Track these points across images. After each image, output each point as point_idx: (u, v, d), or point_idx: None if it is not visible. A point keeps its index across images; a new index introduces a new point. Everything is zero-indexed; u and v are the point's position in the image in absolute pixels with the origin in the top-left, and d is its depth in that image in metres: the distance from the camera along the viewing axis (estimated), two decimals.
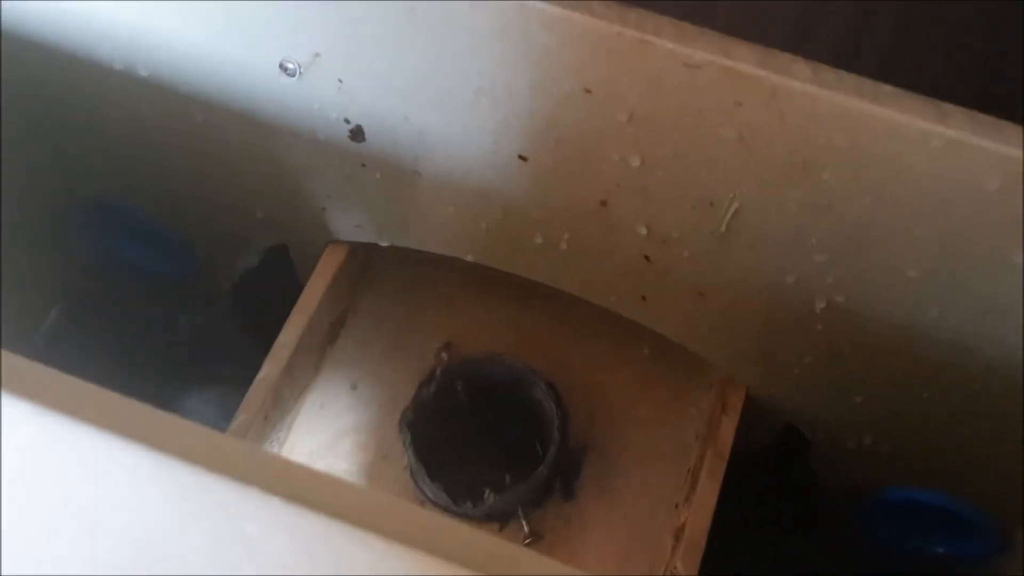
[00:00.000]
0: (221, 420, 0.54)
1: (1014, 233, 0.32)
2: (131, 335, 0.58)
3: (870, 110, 0.30)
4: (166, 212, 0.53)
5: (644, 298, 0.44)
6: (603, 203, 0.39)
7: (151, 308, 0.58)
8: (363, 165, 0.42)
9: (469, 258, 0.46)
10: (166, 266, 0.56)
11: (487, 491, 0.46)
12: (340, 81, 0.38)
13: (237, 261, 0.53)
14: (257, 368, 0.46)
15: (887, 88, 0.30)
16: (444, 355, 0.50)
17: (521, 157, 0.38)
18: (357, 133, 0.40)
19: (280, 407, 0.47)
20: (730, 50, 0.30)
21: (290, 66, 0.38)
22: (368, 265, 0.51)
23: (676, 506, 0.47)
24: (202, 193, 0.49)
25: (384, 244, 0.47)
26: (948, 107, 0.30)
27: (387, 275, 0.52)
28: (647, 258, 0.41)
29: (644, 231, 0.39)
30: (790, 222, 0.35)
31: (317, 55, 0.37)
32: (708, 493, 0.45)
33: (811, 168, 0.32)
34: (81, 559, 0.23)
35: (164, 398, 0.57)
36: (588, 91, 0.34)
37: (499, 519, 0.47)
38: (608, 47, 0.31)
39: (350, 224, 0.47)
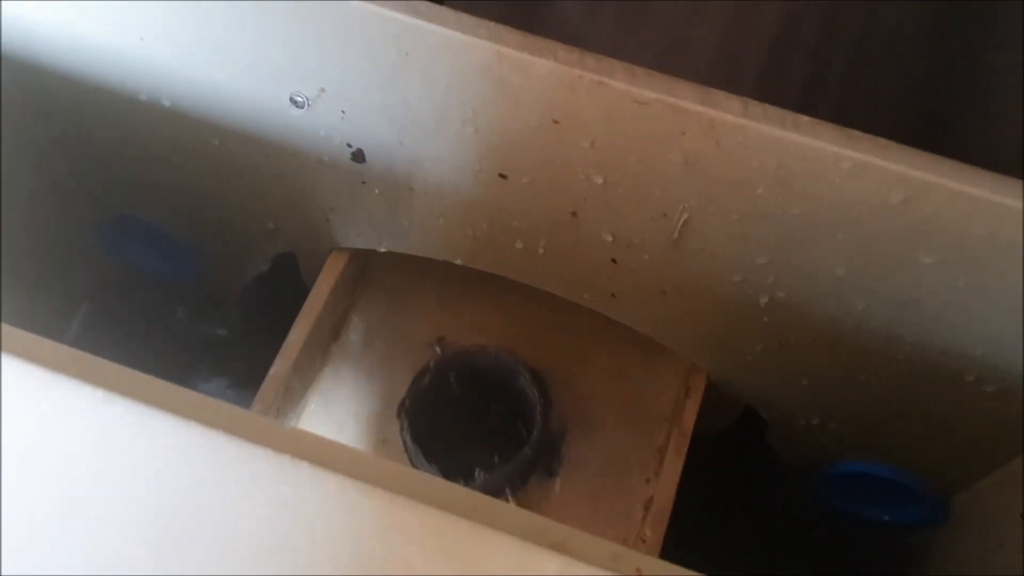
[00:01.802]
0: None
1: (920, 238, 0.38)
2: (151, 335, 0.63)
3: (791, 137, 0.36)
4: (184, 224, 0.59)
5: (613, 295, 0.50)
6: (574, 214, 0.45)
7: (169, 311, 0.63)
8: (363, 182, 0.48)
9: (458, 262, 0.52)
10: (183, 273, 0.61)
11: (477, 470, 0.52)
12: (343, 112, 0.43)
13: (249, 267, 0.59)
14: (268, 364, 0.52)
15: (805, 119, 0.36)
16: (437, 349, 0.56)
17: (502, 175, 0.44)
18: (358, 155, 0.46)
19: (290, 399, 0.53)
20: (673, 89, 0.36)
21: (299, 99, 0.43)
22: (368, 269, 0.57)
23: (647, 481, 0.53)
24: (217, 207, 0.55)
25: (382, 250, 0.53)
26: (856, 133, 0.35)
27: (385, 277, 0.57)
28: (614, 261, 0.47)
29: (610, 238, 0.45)
30: (733, 230, 0.41)
31: (323, 90, 0.42)
32: (673, 468, 0.51)
33: (746, 185, 0.38)
34: (135, 520, 0.29)
35: None
36: (556, 122, 0.39)
37: (488, 496, 0.53)
38: (571, 87, 0.37)
39: (351, 233, 0.52)
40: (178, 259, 0.61)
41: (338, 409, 0.54)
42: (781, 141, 0.36)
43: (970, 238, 0.37)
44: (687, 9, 0.54)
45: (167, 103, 0.47)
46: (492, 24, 0.37)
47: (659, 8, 0.55)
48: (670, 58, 0.54)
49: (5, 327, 0.31)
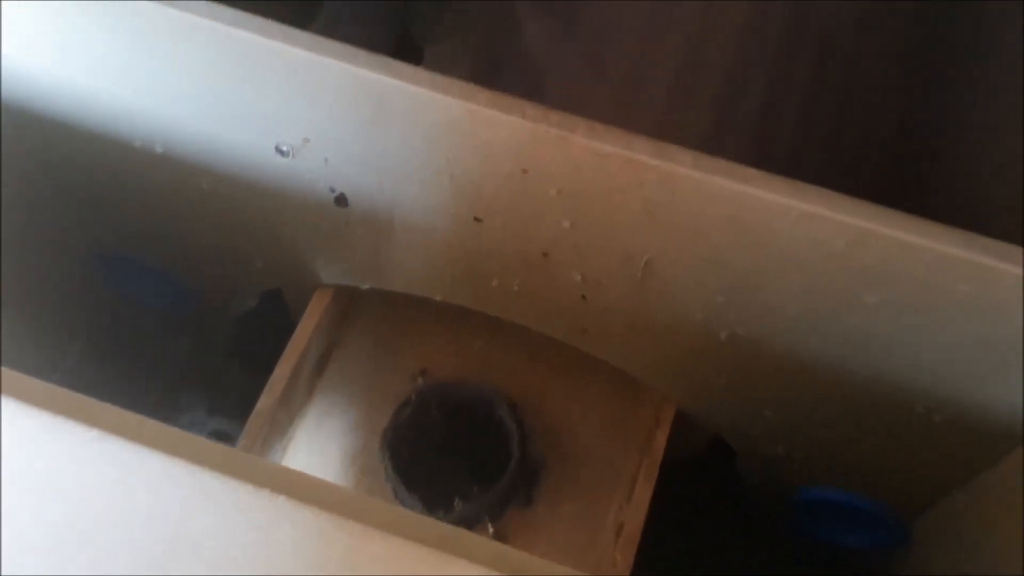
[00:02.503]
0: (225, 440, 0.62)
1: (863, 280, 0.40)
2: (144, 367, 0.65)
3: (741, 189, 0.38)
4: (175, 261, 0.61)
5: (585, 330, 0.52)
6: (545, 255, 0.47)
7: (162, 344, 0.66)
8: (346, 224, 0.50)
9: (438, 297, 0.54)
10: (174, 307, 0.64)
11: (456, 499, 0.54)
12: (326, 160, 0.46)
13: (238, 302, 0.61)
14: (256, 397, 0.54)
15: (753, 171, 0.38)
16: (420, 381, 0.58)
17: (476, 219, 0.46)
18: (341, 200, 0.48)
19: (277, 431, 0.55)
20: (631, 143, 0.39)
21: (284, 148, 0.46)
22: (351, 305, 0.59)
23: (619, 507, 0.55)
24: (207, 246, 0.57)
25: (365, 287, 0.55)
26: (802, 185, 0.38)
27: (369, 313, 0.59)
28: (584, 298, 0.49)
29: (579, 277, 0.48)
30: (691, 272, 0.44)
31: (307, 140, 0.45)
32: (643, 494, 0.53)
33: (701, 232, 0.41)
34: (119, 549, 0.31)
35: (173, 422, 0.65)
36: (525, 171, 0.42)
37: (468, 524, 0.55)
38: (537, 140, 0.40)
39: (335, 271, 0.55)
40: (169, 295, 0.63)
41: (324, 440, 0.57)
42: (732, 192, 0.38)
43: (910, 281, 0.39)
44: (643, 47, 0.57)
45: (160, 150, 0.49)
46: (463, 84, 0.40)
47: (617, 45, 0.58)
48: (627, 92, 0.56)
49: (5, 370, 0.34)
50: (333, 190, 0.48)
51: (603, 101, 0.55)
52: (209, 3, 0.40)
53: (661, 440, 0.55)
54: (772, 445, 0.56)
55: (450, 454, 0.58)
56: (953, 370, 0.44)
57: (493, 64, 0.57)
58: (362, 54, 0.40)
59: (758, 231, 0.40)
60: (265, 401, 0.53)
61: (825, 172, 0.58)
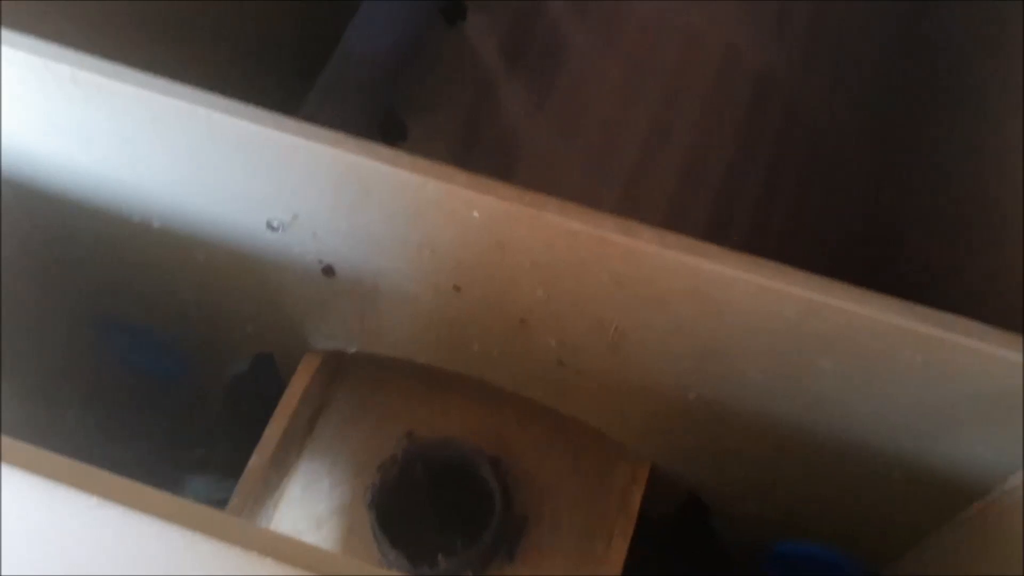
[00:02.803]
0: (219, 496, 0.64)
1: (817, 346, 0.43)
2: (140, 428, 0.68)
3: (699, 263, 0.41)
4: (171, 326, 0.63)
5: (562, 392, 0.55)
6: (522, 321, 0.50)
7: (158, 407, 0.68)
8: (333, 292, 0.53)
9: (422, 361, 0.57)
10: (170, 372, 0.66)
11: (440, 555, 0.56)
12: (314, 234, 0.49)
13: (231, 365, 0.64)
14: (248, 456, 0.56)
15: (713, 248, 0.41)
16: (405, 440, 0.60)
17: (456, 288, 0.49)
18: (328, 270, 0.51)
19: (268, 490, 0.57)
20: (598, 221, 0.42)
21: (275, 223, 0.49)
22: (339, 368, 0.61)
23: (598, 562, 0.57)
24: (201, 312, 0.60)
25: (352, 351, 0.58)
26: (756, 260, 0.41)
27: (355, 376, 0.62)
28: (560, 362, 0.52)
29: (554, 343, 0.50)
30: (659, 338, 0.46)
31: (296, 216, 0.48)
32: (619, 550, 0.55)
33: (666, 302, 0.44)
34: None
35: (168, 481, 0.67)
36: (500, 245, 0.45)
37: None
38: (511, 218, 0.42)
39: (323, 336, 0.57)
40: (165, 359, 0.66)
41: (313, 499, 0.59)
42: (691, 266, 0.41)
43: (859, 348, 0.42)
44: (647, 153, 0.61)
45: (157, 224, 0.52)
46: (442, 166, 0.43)
47: (622, 148, 0.61)
48: (632, 189, 0.60)
49: (4, 438, 0.36)
50: (321, 261, 0.51)
51: (576, 171, 0.59)
52: (204, 92, 0.43)
53: (637, 497, 0.57)
54: (744, 501, 0.58)
55: (435, 511, 0.60)
56: (907, 430, 0.46)
57: (474, 136, 0.61)
58: (348, 139, 0.43)
59: (717, 302, 0.42)
60: (256, 461, 0.56)
61: (787, 242, 0.62)
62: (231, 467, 0.59)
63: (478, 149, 0.61)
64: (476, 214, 0.43)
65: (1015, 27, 0.65)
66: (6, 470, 0.35)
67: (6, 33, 0.44)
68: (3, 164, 0.52)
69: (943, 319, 0.40)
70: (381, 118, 0.55)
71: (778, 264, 0.41)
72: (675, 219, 0.59)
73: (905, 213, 0.72)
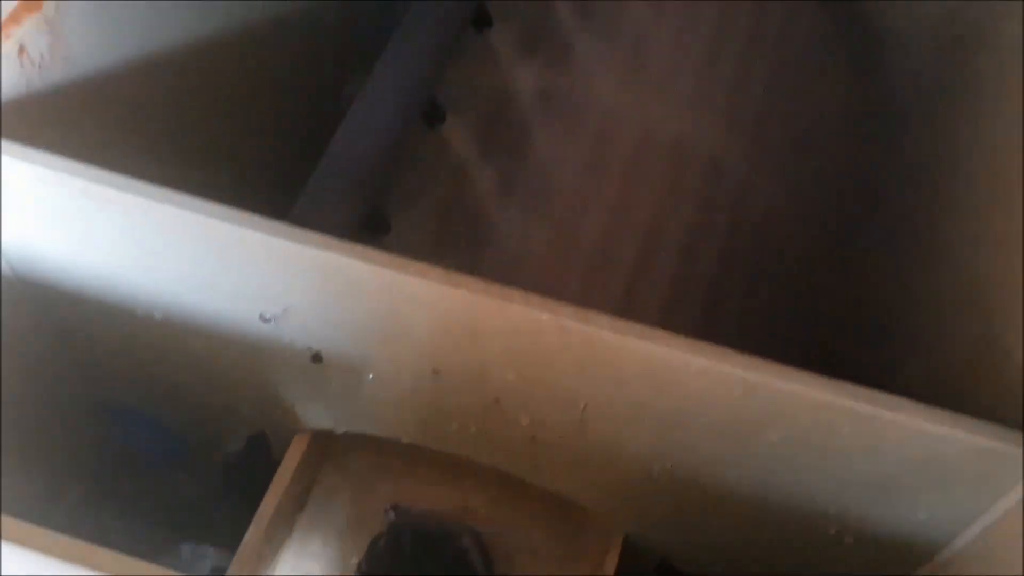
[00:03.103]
0: (218, 566, 0.67)
1: (762, 421, 0.47)
2: (140, 506, 0.71)
3: (650, 347, 0.45)
4: (170, 410, 0.67)
5: (536, 466, 0.59)
6: (496, 401, 0.54)
7: (157, 486, 0.71)
8: (322, 377, 0.57)
9: (405, 439, 0.61)
10: (169, 452, 0.70)
11: None
12: (304, 325, 0.53)
13: (227, 445, 0.68)
14: (244, 529, 0.60)
15: (661, 333, 0.46)
16: (391, 515, 0.64)
17: (435, 372, 0.53)
18: (317, 357, 0.55)
19: (263, 561, 0.60)
20: (558, 310, 0.46)
21: (267, 316, 0.53)
22: (328, 446, 0.65)
23: None
24: (199, 397, 0.64)
25: (340, 431, 0.62)
26: (701, 344, 0.45)
27: (344, 454, 0.65)
28: (533, 438, 0.56)
29: (527, 421, 0.54)
30: (622, 415, 0.50)
31: (287, 309, 0.52)
32: None
33: (624, 382, 0.48)
34: None
35: (167, 556, 0.70)
36: (473, 333, 0.49)
37: None
38: (482, 308, 0.47)
39: (313, 417, 0.61)
40: (163, 440, 0.69)
41: (305, 569, 0.62)
42: (642, 350, 0.46)
43: (799, 423, 0.46)
44: (607, 235, 0.66)
45: (159, 317, 0.57)
46: (419, 264, 0.47)
47: (585, 231, 0.66)
48: (591, 274, 0.65)
49: (5, 518, 0.39)
50: (310, 349, 0.55)
51: (543, 252, 0.63)
52: (203, 201, 0.48)
53: (611, 564, 0.61)
54: (713, 566, 0.62)
55: None
56: (850, 497, 0.50)
57: (452, 226, 0.65)
58: (333, 240, 0.48)
59: (669, 382, 0.47)
60: (252, 534, 0.59)
61: (740, 322, 0.66)
62: (228, 541, 0.62)
63: (457, 238, 0.66)
64: (450, 306, 0.48)
65: (959, 131, 0.71)
66: (6, 547, 0.38)
67: (27, 150, 0.49)
68: (17, 262, 0.57)
69: (870, 395, 0.44)
70: (366, 214, 0.60)
71: (722, 348, 0.45)
72: (631, 301, 0.63)
73: (852, 295, 0.77)
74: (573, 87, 0.69)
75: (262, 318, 0.53)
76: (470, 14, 0.69)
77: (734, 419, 0.47)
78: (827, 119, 0.82)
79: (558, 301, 0.47)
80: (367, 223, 0.61)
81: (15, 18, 0.53)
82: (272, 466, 0.62)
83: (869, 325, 0.76)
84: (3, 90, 0.52)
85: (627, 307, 0.63)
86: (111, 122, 0.62)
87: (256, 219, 0.48)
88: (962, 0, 0.83)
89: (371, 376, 0.55)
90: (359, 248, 0.48)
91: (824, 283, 0.77)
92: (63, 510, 0.71)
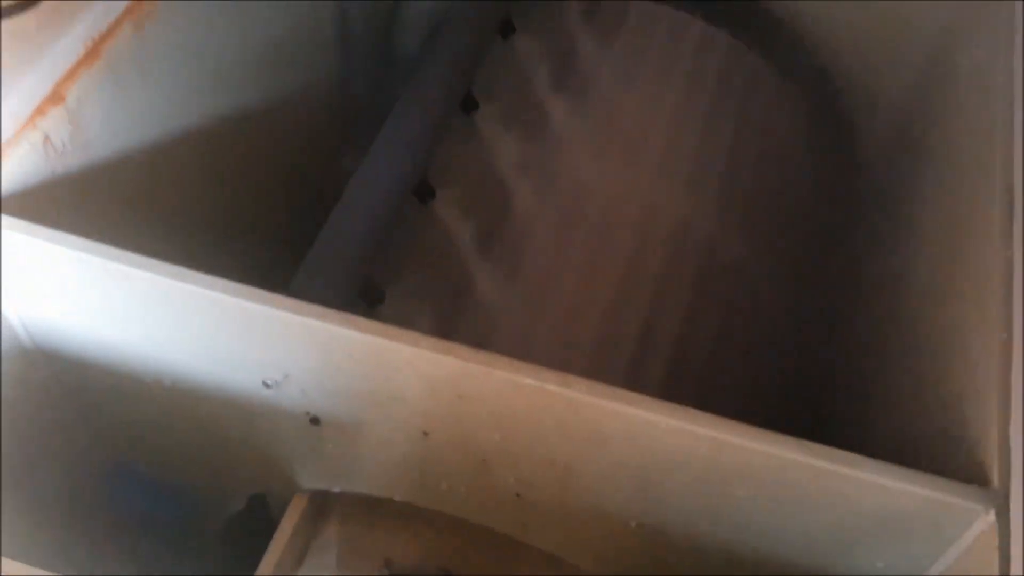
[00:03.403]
0: None
1: (730, 477, 0.51)
2: (144, 562, 0.74)
3: (625, 409, 0.49)
4: (175, 471, 0.71)
5: (524, 524, 0.62)
6: (483, 461, 0.57)
7: (161, 542, 0.74)
8: (319, 439, 0.61)
9: (398, 498, 0.64)
10: (173, 510, 0.73)
11: None
12: (303, 390, 0.57)
13: (228, 505, 0.71)
14: None
15: (635, 395, 0.49)
16: (385, 569, 0.67)
17: (425, 434, 0.57)
18: (315, 420, 0.59)
19: None
20: (539, 375, 0.50)
21: (269, 382, 0.57)
22: (325, 505, 0.68)
23: None
24: (202, 457, 0.67)
25: (337, 491, 0.65)
26: (671, 405, 0.49)
27: (340, 512, 0.68)
28: (519, 495, 0.59)
29: (512, 479, 0.58)
30: (601, 473, 0.54)
31: (287, 375, 0.56)
32: None
33: (601, 442, 0.51)
34: None
35: None
36: (460, 397, 0.53)
37: None
38: (468, 374, 0.51)
39: (311, 477, 0.65)
40: (169, 498, 0.72)
41: None
42: (618, 412, 0.49)
43: (764, 478, 0.50)
44: (577, 296, 0.70)
45: (167, 383, 0.60)
46: (410, 332, 0.51)
47: (557, 287, 0.71)
48: (565, 329, 0.69)
49: (6, 559, 0.42)
50: (308, 413, 0.58)
51: (517, 315, 0.68)
52: (210, 277, 0.52)
53: None
54: None
55: None
56: (815, 549, 0.53)
57: (443, 296, 0.70)
58: (330, 312, 0.52)
59: (643, 440, 0.50)
60: None
61: (706, 381, 0.70)
62: None
63: (446, 304, 0.70)
64: (438, 372, 0.52)
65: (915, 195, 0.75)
66: None
67: (50, 231, 0.54)
68: (36, 332, 0.61)
69: (828, 453, 0.48)
70: (361, 285, 0.64)
71: (690, 409, 0.49)
72: (601, 355, 0.67)
73: (826, 354, 0.81)
74: (549, 159, 0.75)
75: (264, 384, 0.57)
76: (459, 99, 0.74)
77: (703, 475, 0.51)
78: (793, 183, 0.87)
79: (538, 366, 0.50)
80: (362, 294, 0.65)
81: (41, 110, 0.57)
82: (272, 525, 0.65)
83: (843, 384, 0.80)
84: (30, 176, 0.57)
85: (597, 361, 0.67)
86: (123, 201, 0.67)
87: (258, 292, 0.52)
88: (925, 69, 0.89)
89: (366, 438, 0.59)
90: (353, 318, 0.51)
91: (797, 341, 0.82)
92: (67, 569, 0.73)
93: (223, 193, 0.79)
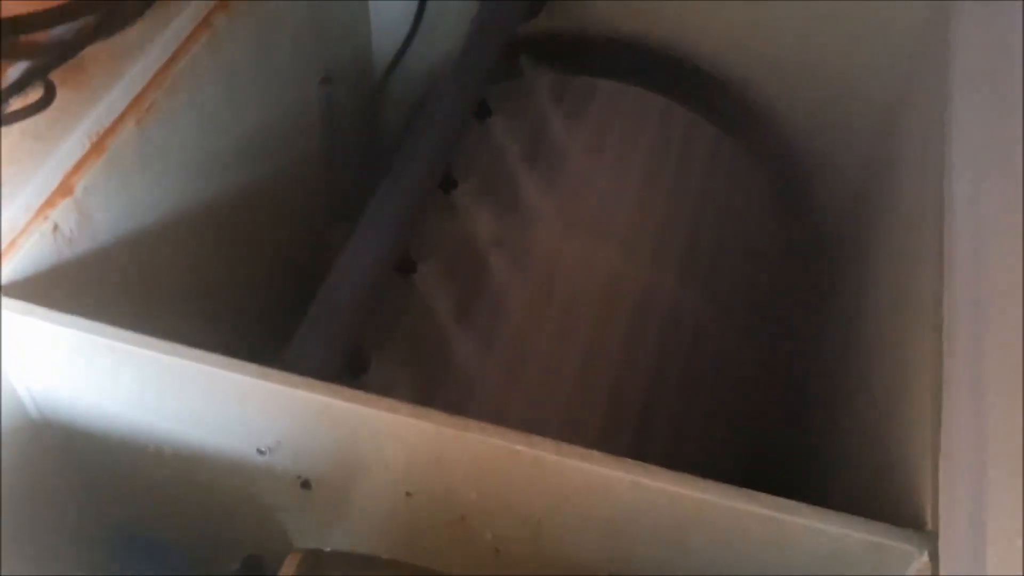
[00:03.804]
0: None
1: (687, 528, 0.55)
2: None
3: (587, 467, 0.54)
4: (172, 533, 0.75)
5: None
6: (462, 519, 0.62)
7: None
8: (310, 502, 0.65)
9: (384, 555, 0.68)
10: (172, 572, 0.77)
11: None
12: (295, 456, 0.61)
13: (223, 566, 0.74)
14: None
15: (597, 454, 0.54)
16: None
17: (408, 494, 0.61)
18: (306, 484, 0.63)
19: None
20: (507, 436, 0.54)
21: (262, 449, 0.61)
22: (317, 563, 0.72)
23: None
24: (199, 521, 0.72)
25: (327, 549, 0.69)
26: (630, 462, 0.54)
27: (331, 569, 0.72)
28: (496, 551, 0.63)
29: (490, 536, 0.62)
30: (572, 527, 0.58)
31: (280, 442, 0.61)
32: None
33: (569, 497, 0.56)
34: None
35: None
36: (438, 459, 0.57)
37: None
38: (444, 438, 0.55)
39: (303, 537, 0.69)
40: (168, 560, 0.76)
41: None
42: (582, 469, 0.54)
43: (719, 528, 0.54)
44: (551, 358, 0.75)
45: (168, 452, 0.65)
46: (391, 400, 0.56)
47: (530, 352, 0.76)
48: (538, 393, 0.74)
49: None
50: (299, 477, 0.63)
51: (495, 375, 0.72)
52: (207, 353, 0.57)
53: None
54: None
55: None
56: None
57: (423, 364, 0.75)
58: (318, 383, 0.56)
59: (606, 495, 0.55)
60: None
61: (674, 438, 0.75)
62: None
63: (426, 370, 0.75)
64: (418, 436, 0.56)
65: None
66: None
67: (58, 314, 0.58)
68: (44, 406, 0.65)
69: (772, 501, 0.53)
70: (347, 356, 0.69)
71: (647, 464, 0.54)
72: (573, 415, 0.72)
73: (784, 414, 0.86)
74: (522, 233, 0.80)
75: (258, 451, 0.61)
76: (439, 179, 0.80)
77: (662, 526, 0.55)
78: (753, 248, 0.92)
79: (507, 429, 0.55)
80: (348, 364, 0.70)
81: (51, 202, 0.63)
82: None
83: (804, 433, 0.85)
84: (40, 262, 0.62)
85: (570, 423, 0.71)
86: (126, 281, 0.72)
87: (252, 367, 0.57)
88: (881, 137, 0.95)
89: (353, 499, 0.63)
90: (339, 388, 0.56)
91: (759, 396, 0.86)
92: None
93: (218, 270, 0.84)
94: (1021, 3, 0.69)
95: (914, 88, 0.88)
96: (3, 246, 0.60)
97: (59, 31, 0.66)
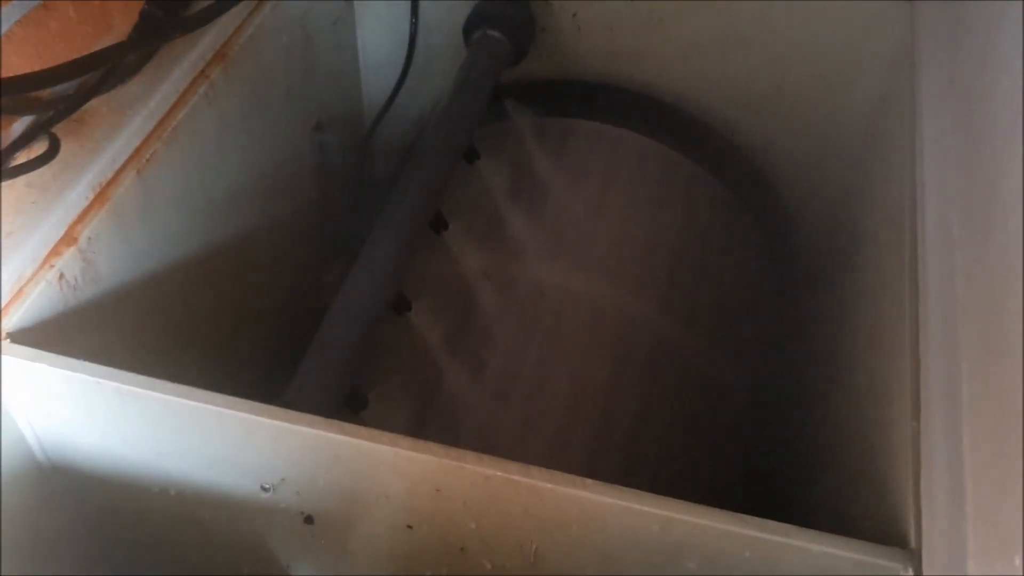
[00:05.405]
0: None
1: (679, 551, 0.57)
2: None
3: (582, 495, 0.56)
4: (175, 570, 0.76)
5: None
6: (462, 549, 0.63)
7: None
8: (313, 536, 0.66)
9: None
10: None
11: None
12: (297, 492, 0.63)
13: None
14: None
15: (590, 481, 0.56)
16: None
17: (408, 526, 0.63)
18: (309, 520, 0.65)
19: None
20: (504, 467, 0.56)
21: (266, 486, 0.63)
22: None
23: None
24: (204, 559, 0.73)
25: None
26: (621, 488, 0.56)
27: None
28: None
29: (489, 565, 0.64)
30: (567, 552, 0.60)
31: (283, 479, 0.62)
32: None
33: (564, 524, 0.58)
34: None
35: None
36: (438, 490, 0.59)
37: None
38: (443, 469, 0.57)
39: (307, 571, 0.70)
40: None
41: None
42: (576, 497, 0.56)
43: (710, 550, 0.56)
44: (535, 389, 0.77)
45: (173, 492, 0.66)
46: (391, 434, 0.58)
47: (517, 382, 0.78)
48: (526, 420, 0.76)
49: None
50: (302, 513, 0.65)
51: (506, 428, 0.74)
52: (211, 393, 0.59)
53: None
54: None
55: None
56: None
57: (419, 399, 0.77)
58: (320, 420, 0.58)
59: (599, 521, 0.57)
60: None
61: (662, 465, 0.77)
62: None
63: (422, 404, 0.77)
64: (417, 469, 0.58)
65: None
66: None
67: (65, 359, 0.60)
68: (51, 450, 0.67)
69: (761, 524, 0.55)
70: (347, 393, 0.71)
71: (638, 491, 0.56)
72: (561, 442, 0.74)
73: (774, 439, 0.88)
74: (508, 267, 0.83)
75: (262, 488, 0.63)
76: (430, 221, 0.83)
77: (655, 550, 0.57)
78: (733, 277, 0.95)
79: (504, 460, 0.57)
80: (348, 401, 0.72)
81: (56, 251, 0.65)
82: None
83: (794, 456, 0.87)
84: (46, 309, 0.64)
85: (557, 449, 0.73)
86: (130, 325, 0.74)
87: (255, 405, 0.59)
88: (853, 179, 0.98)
89: (354, 532, 0.65)
90: (340, 424, 0.58)
91: (744, 418, 0.89)
92: None
93: (217, 312, 0.86)
94: (980, 42, 0.73)
95: (885, 117, 0.92)
96: (10, 295, 0.62)
97: (62, 87, 0.69)
